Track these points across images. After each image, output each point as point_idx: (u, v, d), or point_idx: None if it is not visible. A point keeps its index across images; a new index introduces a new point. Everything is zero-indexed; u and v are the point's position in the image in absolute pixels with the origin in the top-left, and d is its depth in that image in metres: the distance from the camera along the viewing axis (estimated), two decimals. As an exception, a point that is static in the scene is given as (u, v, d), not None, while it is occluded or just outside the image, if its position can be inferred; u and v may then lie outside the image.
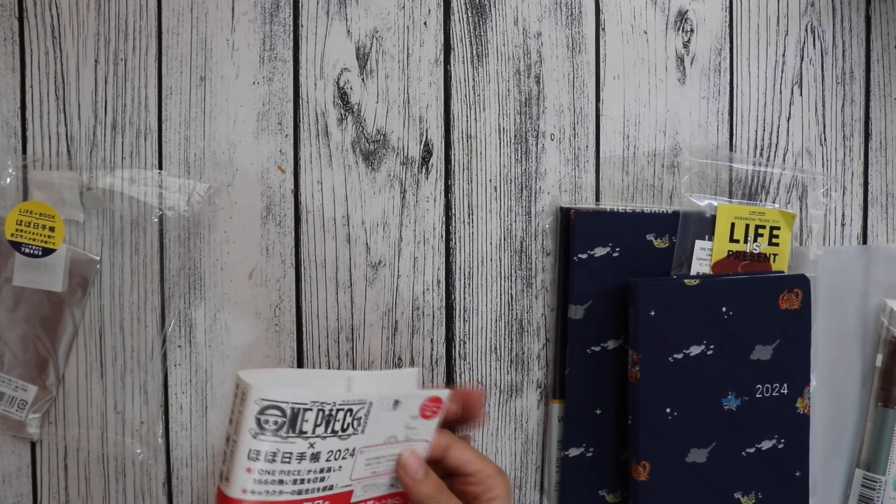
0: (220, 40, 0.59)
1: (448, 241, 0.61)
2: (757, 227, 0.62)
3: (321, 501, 0.42)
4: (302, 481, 0.40)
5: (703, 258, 0.61)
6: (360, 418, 0.41)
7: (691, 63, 0.64)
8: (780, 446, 0.60)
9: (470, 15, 0.61)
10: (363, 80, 0.60)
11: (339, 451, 0.41)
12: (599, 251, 0.60)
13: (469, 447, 0.49)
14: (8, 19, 0.58)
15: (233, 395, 0.38)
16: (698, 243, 0.61)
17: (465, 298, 0.62)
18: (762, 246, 0.62)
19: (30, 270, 0.57)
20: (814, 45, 0.66)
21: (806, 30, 0.66)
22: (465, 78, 0.61)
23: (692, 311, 0.58)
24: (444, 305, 0.61)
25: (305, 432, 0.39)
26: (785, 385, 0.60)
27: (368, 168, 0.60)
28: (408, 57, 0.61)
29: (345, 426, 0.41)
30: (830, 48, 0.66)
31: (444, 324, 0.62)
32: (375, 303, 0.61)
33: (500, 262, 0.62)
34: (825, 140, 0.66)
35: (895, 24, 0.68)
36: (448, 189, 0.61)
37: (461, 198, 0.61)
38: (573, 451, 0.61)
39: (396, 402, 0.42)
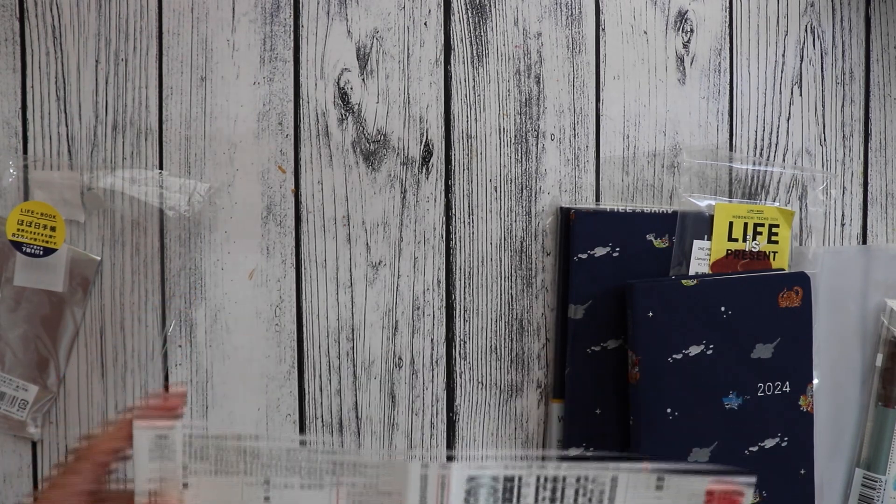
0: (220, 41, 0.59)
1: (448, 241, 0.62)
2: (755, 225, 0.62)
3: None
4: None
5: (701, 258, 0.62)
6: (602, 495, 0.36)
7: (691, 63, 0.64)
8: (784, 444, 0.60)
9: (470, 15, 0.61)
10: (363, 80, 0.60)
11: None
12: (599, 251, 0.60)
13: None
14: (9, 19, 0.58)
15: (406, 482, 0.34)
16: (696, 243, 0.61)
17: (465, 298, 0.62)
18: (761, 244, 0.62)
19: (31, 270, 0.57)
20: (814, 46, 0.66)
21: (806, 30, 0.66)
22: (465, 78, 0.61)
23: (690, 311, 0.58)
24: (444, 305, 0.62)
25: (527, 503, 0.35)
26: (787, 383, 0.60)
27: (369, 168, 0.61)
28: (408, 57, 0.61)
29: (579, 500, 0.36)
30: (830, 48, 0.67)
31: (444, 324, 0.62)
32: (376, 303, 0.61)
33: (501, 262, 0.62)
34: (825, 140, 0.67)
35: (895, 24, 0.68)
36: (448, 189, 0.61)
37: (461, 198, 0.62)
38: (573, 451, 0.61)
39: (659, 486, 0.36)
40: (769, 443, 0.60)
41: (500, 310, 0.62)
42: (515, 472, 0.34)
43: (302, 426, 0.60)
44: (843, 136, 0.67)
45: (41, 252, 0.56)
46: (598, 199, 0.63)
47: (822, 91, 0.66)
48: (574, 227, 0.60)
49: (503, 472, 0.34)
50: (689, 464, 0.33)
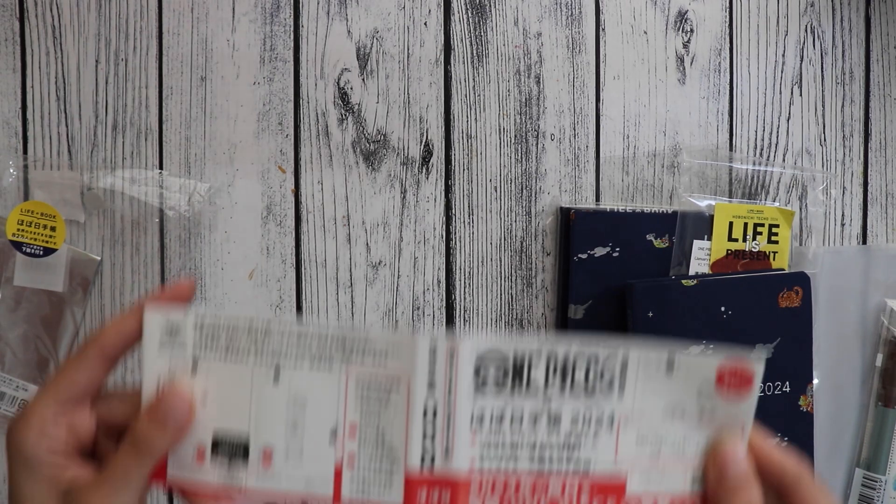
0: (220, 40, 0.59)
1: (448, 241, 0.62)
2: (755, 225, 0.62)
3: (577, 481, 0.34)
4: (542, 447, 0.34)
5: (701, 258, 0.62)
6: (613, 377, 0.34)
7: (691, 63, 0.64)
8: (784, 444, 0.60)
9: (470, 15, 0.61)
10: (363, 80, 0.60)
11: (589, 415, 0.34)
12: (599, 251, 0.60)
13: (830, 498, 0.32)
14: (9, 19, 0.58)
15: (421, 355, 0.33)
16: (697, 243, 0.61)
17: (465, 298, 0.62)
18: (761, 244, 0.62)
19: (31, 270, 0.57)
20: (813, 46, 0.66)
21: (806, 30, 0.66)
22: (465, 78, 0.61)
23: (690, 311, 0.58)
24: (444, 305, 0.62)
25: (536, 387, 0.34)
26: (787, 383, 0.60)
27: (369, 168, 0.61)
28: (408, 57, 0.61)
29: (590, 383, 0.34)
30: (830, 48, 0.67)
31: (444, 324, 0.62)
32: (376, 303, 0.61)
33: (501, 262, 0.62)
34: (825, 140, 0.67)
35: (895, 24, 0.68)
36: (448, 189, 0.61)
37: (461, 198, 0.62)
38: (573, 451, 0.61)
39: (670, 364, 0.34)
40: (769, 443, 0.60)
41: (500, 310, 0.62)
42: (525, 355, 0.34)
43: (302, 426, 0.60)
44: (843, 136, 0.67)
45: (41, 252, 0.56)
46: (598, 199, 0.63)
47: (822, 91, 0.66)
48: (574, 227, 0.60)
49: (512, 354, 0.34)
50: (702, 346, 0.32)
